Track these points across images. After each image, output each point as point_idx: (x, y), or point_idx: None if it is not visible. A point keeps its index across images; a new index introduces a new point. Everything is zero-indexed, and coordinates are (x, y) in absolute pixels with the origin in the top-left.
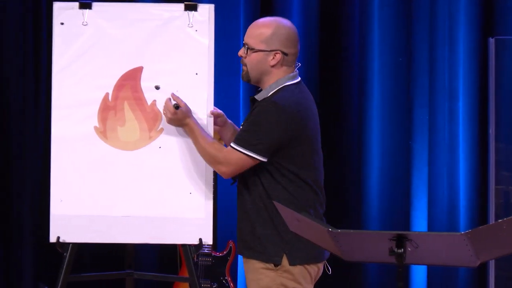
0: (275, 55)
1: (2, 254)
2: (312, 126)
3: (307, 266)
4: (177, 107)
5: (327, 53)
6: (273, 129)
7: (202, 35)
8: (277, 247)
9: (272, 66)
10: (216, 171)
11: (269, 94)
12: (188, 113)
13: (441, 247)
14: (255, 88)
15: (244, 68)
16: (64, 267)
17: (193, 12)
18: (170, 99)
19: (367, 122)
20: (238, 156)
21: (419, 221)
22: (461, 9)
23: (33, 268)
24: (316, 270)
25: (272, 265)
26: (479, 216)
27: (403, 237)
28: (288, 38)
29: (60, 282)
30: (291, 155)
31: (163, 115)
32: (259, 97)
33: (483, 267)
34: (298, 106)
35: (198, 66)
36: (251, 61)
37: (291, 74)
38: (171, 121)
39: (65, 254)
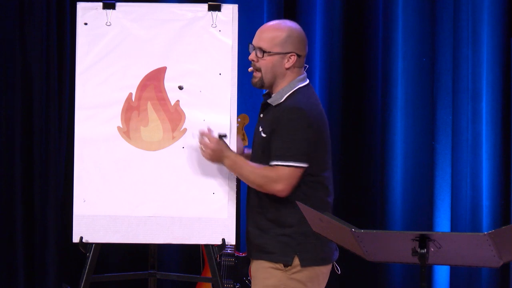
0: (290, 58)
1: (26, 254)
2: (324, 128)
3: (317, 268)
4: (222, 136)
5: (350, 53)
6: (306, 134)
7: (226, 35)
8: (288, 248)
9: (287, 69)
10: (272, 192)
11: (284, 98)
12: (227, 145)
13: (464, 248)
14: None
15: (257, 73)
16: (87, 267)
17: (216, 12)
18: (199, 135)
19: (391, 122)
20: (288, 170)
21: (442, 222)
22: (484, 9)
23: (56, 268)
24: (325, 271)
25: (281, 265)
26: (502, 216)
27: (426, 238)
28: (300, 40)
29: (83, 282)
30: (310, 157)
31: (202, 152)
32: (272, 101)
33: (506, 267)
34: (317, 109)
35: (221, 66)
36: (266, 65)
37: (301, 76)
38: (214, 154)
39: (88, 254)
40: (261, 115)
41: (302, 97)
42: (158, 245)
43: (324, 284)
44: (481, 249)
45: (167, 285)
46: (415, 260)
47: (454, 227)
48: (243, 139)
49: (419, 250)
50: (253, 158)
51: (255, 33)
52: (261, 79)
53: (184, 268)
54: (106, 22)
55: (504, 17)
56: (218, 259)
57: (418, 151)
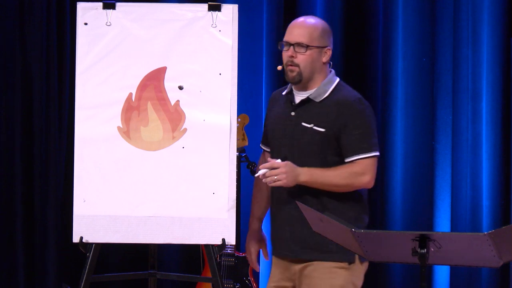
0: (326, 52)
1: (26, 254)
2: None
3: (367, 262)
4: (284, 158)
5: (350, 53)
6: (373, 124)
7: (226, 35)
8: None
9: (324, 63)
10: (360, 186)
11: (328, 93)
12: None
13: (464, 248)
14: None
15: (295, 68)
16: (87, 267)
17: (216, 12)
18: (266, 168)
19: (391, 122)
20: (370, 161)
21: (442, 222)
22: (484, 9)
23: (56, 268)
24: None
25: (347, 263)
26: (502, 216)
27: (426, 238)
28: (331, 35)
29: (83, 282)
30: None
31: (278, 180)
32: (315, 97)
33: (506, 267)
34: None
35: (221, 66)
36: (305, 60)
37: (333, 71)
38: (288, 176)
39: (88, 254)
40: (293, 113)
41: (350, 89)
42: (158, 245)
43: None
44: (481, 249)
45: (167, 285)
46: (415, 260)
47: (454, 227)
48: (243, 139)
49: (419, 250)
50: (299, 154)
51: (255, 33)
52: (300, 73)
53: (184, 268)
54: (106, 22)
55: (504, 17)
56: (218, 259)
57: (418, 151)
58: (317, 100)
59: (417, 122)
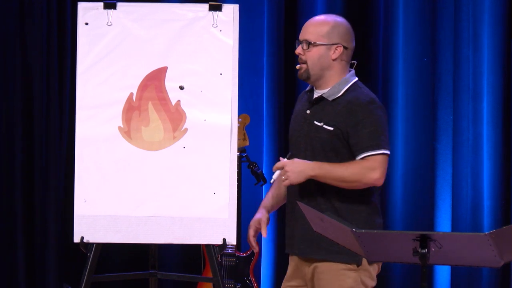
0: (336, 49)
1: (26, 255)
2: None
3: (378, 263)
4: (291, 156)
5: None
6: (385, 124)
7: (227, 35)
8: None
9: (334, 60)
10: (369, 182)
11: (342, 92)
12: (302, 160)
13: (465, 248)
14: (281, 88)
15: (303, 65)
16: (88, 267)
17: (217, 12)
18: (276, 168)
19: (392, 122)
20: (380, 158)
21: (443, 222)
22: (485, 9)
23: (57, 268)
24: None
25: (355, 265)
26: (503, 216)
27: (427, 238)
28: (347, 32)
29: (84, 282)
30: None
31: (284, 179)
32: (328, 96)
33: (507, 267)
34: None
35: (222, 66)
36: (312, 56)
37: (352, 71)
38: (294, 174)
39: (88, 254)
40: (308, 111)
41: (365, 90)
42: (159, 245)
43: None
44: (482, 249)
45: (168, 285)
46: (416, 260)
47: (455, 227)
48: (244, 139)
49: (420, 250)
50: (306, 152)
51: (256, 33)
52: (307, 71)
53: (185, 268)
54: (107, 22)
55: (504, 18)
56: (219, 259)
57: (419, 151)
58: (330, 99)
59: (417, 122)
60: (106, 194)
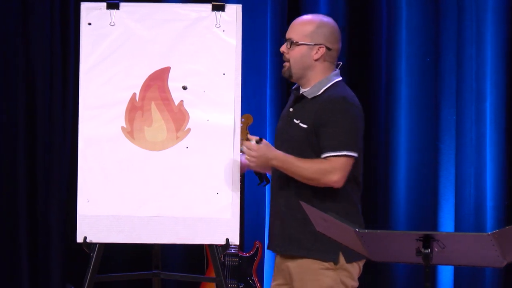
0: (318, 49)
1: (29, 255)
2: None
3: (359, 263)
4: (259, 140)
5: (354, 53)
6: (354, 124)
7: (230, 36)
8: (333, 245)
9: (316, 60)
10: (327, 183)
11: (321, 91)
12: (269, 146)
13: (468, 248)
14: (284, 88)
15: (287, 64)
16: (91, 267)
17: (220, 12)
18: (243, 144)
19: (394, 122)
20: (342, 160)
21: (446, 222)
22: (489, 8)
23: (60, 268)
24: (362, 266)
25: (332, 263)
26: (506, 216)
27: (430, 238)
28: (331, 33)
29: (87, 282)
30: (359, 147)
31: (249, 164)
32: (308, 94)
33: (510, 267)
34: (358, 102)
35: (225, 66)
36: (294, 55)
37: (335, 71)
38: (259, 160)
39: (91, 254)
40: (291, 109)
41: (342, 89)
42: (162, 245)
43: None
44: (485, 249)
45: (171, 285)
46: (419, 260)
47: (458, 227)
48: (247, 139)
49: (423, 250)
50: (287, 148)
51: (259, 33)
52: (289, 69)
53: (188, 268)
54: (110, 22)
55: (508, 17)
56: (222, 259)
57: (422, 151)
58: (310, 97)
59: (421, 122)
60: (109, 194)
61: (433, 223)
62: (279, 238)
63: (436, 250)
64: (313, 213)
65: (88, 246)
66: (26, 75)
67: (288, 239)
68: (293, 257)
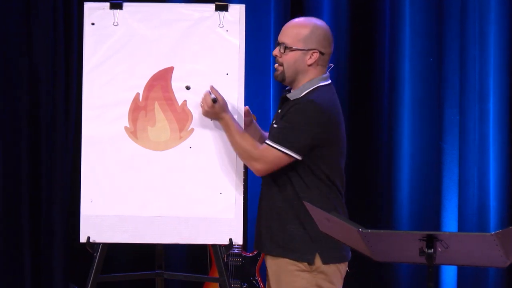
0: (312, 54)
1: (32, 254)
2: (342, 129)
3: (338, 265)
4: (214, 100)
5: (357, 53)
6: (310, 127)
7: (233, 36)
8: (309, 246)
9: (309, 65)
10: (250, 168)
11: (303, 94)
12: (225, 107)
13: (471, 248)
14: (285, 88)
15: (280, 67)
16: (94, 267)
17: (223, 12)
18: (209, 92)
19: (398, 122)
20: (275, 153)
21: (449, 222)
22: (492, 8)
23: (63, 268)
24: (345, 269)
25: (306, 264)
26: (510, 216)
27: (433, 238)
28: (325, 38)
29: (90, 282)
30: (323, 155)
31: (201, 107)
32: (291, 96)
33: None
34: (333, 108)
35: (228, 66)
36: (287, 60)
37: (324, 75)
38: (207, 114)
39: (95, 254)
40: (279, 111)
41: (320, 94)
42: (165, 245)
43: (342, 282)
44: (488, 249)
45: (174, 285)
46: (423, 260)
47: (461, 227)
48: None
49: (426, 250)
50: None
51: (262, 33)
52: (283, 73)
53: (191, 268)
54: (113, 22)
55: (511, 17)
56: (225, 259)
57: (425, 151)
58: (292, 99)
59: (424, 122)
60: (112, 194)
61: (436, 223)
62: (262, 237)
63: (440, 250)
64: (317, 213)
65: (91, 246)
66: (29, 75)
67: (269, 238)
68: (272, 256)
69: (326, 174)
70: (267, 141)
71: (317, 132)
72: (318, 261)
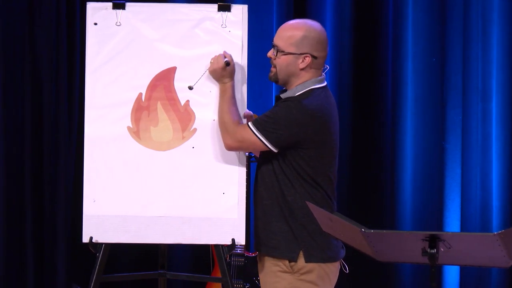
0: (304, 58)
1: (35, 255)
2: (332, 132)
3: (323, 265)
4: (228, 63)
5: (360, 53)
6: (292, 125)
7: (236, 36)
8: (293, 244)
9: (301, 69)
10: (222, 139)
11: (295, 95)
12: (232, 74)
13: (474, 248)
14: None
15: (273, 69)
16: (97, 267)
17: (226, 12)
18: (223, 55)
19: (401, 122)
20: (249, 135)
21: (452, 222)
22: (494, 8)
23: (66, 268)
24: (334, 269)
25: (287, 262)
26: None
27: (436, 238)
28: (318, 42)
29: (93, 282)
30: (309, 156)
31: (210, 64)
32: (284, 96)
33: None
34: (322, 110)
35: None
36: (280, 63)
37: (319, 78)
38: (214, 72)
39: (97, 254)
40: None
41: (312, 98)
42: (168, 245)
43: (335, 282)
44: (490, 249)
45: (177, 285)
46: (425, 260)
47: (463, 227)
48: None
49: (429, 250)
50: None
51: (264, 33)
52: (275, 75)
53: (194, 268)
54: (116, 22)
55: None
56: (228, 259)
57: (427, 151)
58: (284, 98)
59: (426, 122)
60: (115, 194)
61: (439, 223)
62: (256, 236)
63: (442, 250)
64: (319, 213)
65: (94, 246)
66: (32, 75)
67: (257, 236)
68: (260, 254)
69: (309, 175)
70: (249, 123)
71: (296, 131)
72: (301, 259)
